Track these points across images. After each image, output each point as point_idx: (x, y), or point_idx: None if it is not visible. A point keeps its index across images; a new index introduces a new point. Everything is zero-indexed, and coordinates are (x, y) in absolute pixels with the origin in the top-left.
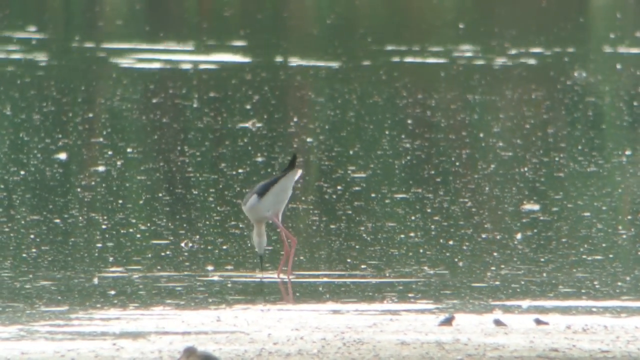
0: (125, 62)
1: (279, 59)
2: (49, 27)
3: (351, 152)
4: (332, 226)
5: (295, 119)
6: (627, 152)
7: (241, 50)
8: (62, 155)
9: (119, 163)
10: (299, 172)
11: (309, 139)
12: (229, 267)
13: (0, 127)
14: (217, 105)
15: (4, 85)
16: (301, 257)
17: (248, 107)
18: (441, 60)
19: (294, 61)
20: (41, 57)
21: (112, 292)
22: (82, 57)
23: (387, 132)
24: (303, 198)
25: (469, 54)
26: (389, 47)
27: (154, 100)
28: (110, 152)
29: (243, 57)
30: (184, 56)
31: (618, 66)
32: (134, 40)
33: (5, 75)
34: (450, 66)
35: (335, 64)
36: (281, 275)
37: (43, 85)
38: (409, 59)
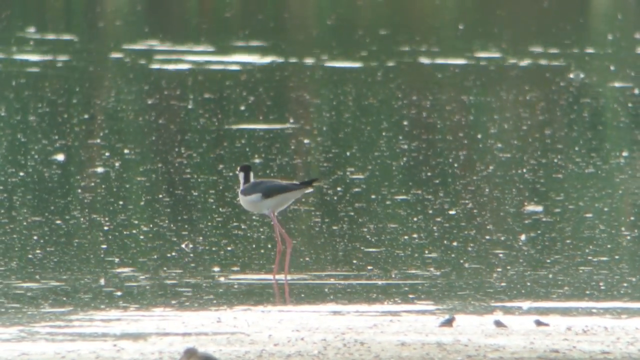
0: (127, 62)
1: (276, 59)
2: (49, 28)
3: (351, 153)
4: (332, 228)
5: (292, 120)
6: (625, 154)
7: (240, 51)
8: (60, 157)
9: (119, 164)
10: (310, 189)
11: (306, 140)
12: (230, 269)
13: (3, 128)
14: (213, 106)
15: (4, 87)
16: (303, 259)
17: (243, 108)
18: (440, 62)
19: (292, 62)
20: (38, 58)
21: (112, 293)
22: (82, 57)
23: (387, 134)
24: (304, 199)
25: (468, 55)
26: (388, 48)
27: (151, 101)
28: (110, 153)
29: (241, 58)
30: (184, 56)
31: (612, 68)
32: (134, 41)
33: (2, 75)
34: (449, 67)
35: (334, 65)
36: (277, 276)
37: (39, 86)
38: (408, 60)
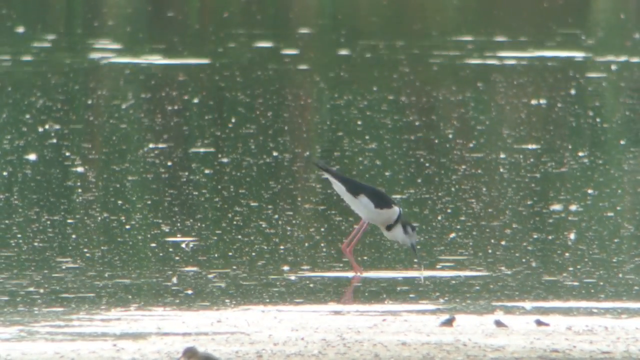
0: (128, 63)
1: (273, 58)
2: (41, 28)
3: (350, 151)
4: (332, 226)
5: (293, 119)
6: (625, 154)
7: (237, 51)
8: (32, 156)
9: (113, 165)
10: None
11: (305, 135)
12: (229, 268)
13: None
14: (213, 106)
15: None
16: (303, 258)
17: (241, 108)
18: (439, 61)
19: (288, 62)
20: (31, 58)
21: (112, 293)
22: (78, 58)
23: (387, 132)
24: (300, 200)
25: (467, 54)
26: (387, 48)
27: (161, 101)
28: (109, 152)
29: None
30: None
31: (613, 67)
32: (133, 42)
33: None
34: (449, 66)
35: (331, 66)
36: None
37: (34, 88)
38: (406, 60)
